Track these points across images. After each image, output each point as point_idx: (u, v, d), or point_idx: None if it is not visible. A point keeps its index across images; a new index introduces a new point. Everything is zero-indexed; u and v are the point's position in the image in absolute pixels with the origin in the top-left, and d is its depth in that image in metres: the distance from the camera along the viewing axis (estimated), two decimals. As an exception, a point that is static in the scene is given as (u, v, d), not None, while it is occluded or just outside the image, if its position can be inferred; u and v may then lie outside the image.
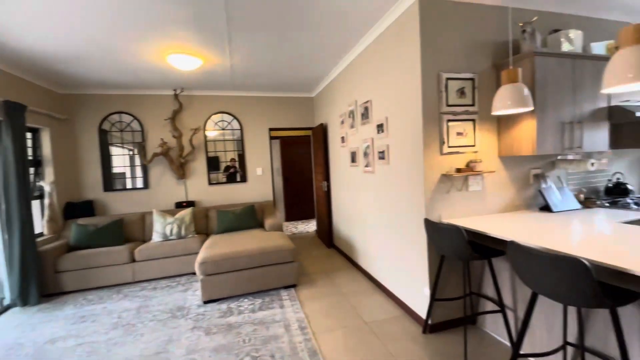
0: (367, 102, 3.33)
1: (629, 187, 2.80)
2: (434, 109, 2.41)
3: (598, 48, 2.60)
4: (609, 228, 1.93)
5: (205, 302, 3.32)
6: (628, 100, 2.57)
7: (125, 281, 3.94)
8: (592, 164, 2.55)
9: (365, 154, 3.45)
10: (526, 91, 2.08)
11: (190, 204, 4.97)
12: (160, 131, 4.90)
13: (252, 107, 5.30)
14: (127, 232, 4.40)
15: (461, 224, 2.26)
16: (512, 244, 1.58)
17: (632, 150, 3.10)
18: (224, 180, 5.19)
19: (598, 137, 2.49)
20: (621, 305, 1.36)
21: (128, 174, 4.87)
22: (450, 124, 2.45)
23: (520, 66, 2.35)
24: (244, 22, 2.75)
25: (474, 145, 2.52)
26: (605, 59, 2.45)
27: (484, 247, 2.18)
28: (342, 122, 4.14)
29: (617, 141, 2.96)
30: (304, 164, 7.35)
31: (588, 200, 2.67)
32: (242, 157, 5.26)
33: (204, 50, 3.34)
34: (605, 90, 1.54)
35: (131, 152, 4.88)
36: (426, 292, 2.50)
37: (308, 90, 5.36)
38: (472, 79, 2.47)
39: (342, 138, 4.19)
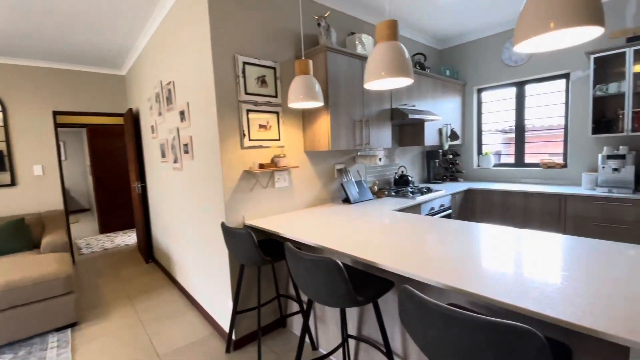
0: (169, 83, 2.76)
1: (410, 178, 3.32)
2: (231, 96, 2.11)
3: (385, 55, 2.91)
4: (383, 216, 2.09)
5: None
6: (405, 104, 3.00)
7: None
8: (380, 159, 2.85)
9: (173, 147, 2.88)
10: (317, 86, 2.03)
11: None
12: None
13: (24, 81, 3.79)
14: None
15: (262, 224, 2.06)
16: (286, 246, 1.42)
17: (414, 147, 3.74)
18: (-31, 184, 3.52)
19: (383, 135, 2.78)
20: (379, 297, 1.38)
21: None
22: (251, 115, 2.21)
23: (315, 60, 2.33)
24: None
25: (279, 139, 2.37)
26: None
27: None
28: (151, 108, 3.41)
29: (402, 139, 3.47)
30: (123, 160, 6.00)
31: (380, 191, 2.99)
32: (8, 151, 3.69)
33: None
34: (366, 85, 1.56)
35: None
36: (230, 305, 2.21)
37: (116, 65, 4.26)
38: (273, 68, 2.31)
39: (152, 127, 3.46)
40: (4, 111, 3.68)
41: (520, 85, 3.54)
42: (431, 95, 3.34)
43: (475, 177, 3.92)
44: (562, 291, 0.96)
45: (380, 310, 1.50)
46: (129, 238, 5.49)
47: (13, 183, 3.76)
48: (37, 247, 3.46)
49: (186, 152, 2.58)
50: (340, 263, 1.21)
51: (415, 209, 2.67)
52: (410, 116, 2.74)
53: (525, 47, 1.07)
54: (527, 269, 1.13)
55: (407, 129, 3.40)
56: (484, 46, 3.71)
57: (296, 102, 2.01)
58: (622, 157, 2.59)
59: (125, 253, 4.69)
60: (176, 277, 3.33)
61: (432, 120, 3.12)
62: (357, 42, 2.71)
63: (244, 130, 2.17)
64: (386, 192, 3.00)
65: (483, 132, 3.93)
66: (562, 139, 3.29)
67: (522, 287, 1.00)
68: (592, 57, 2.72)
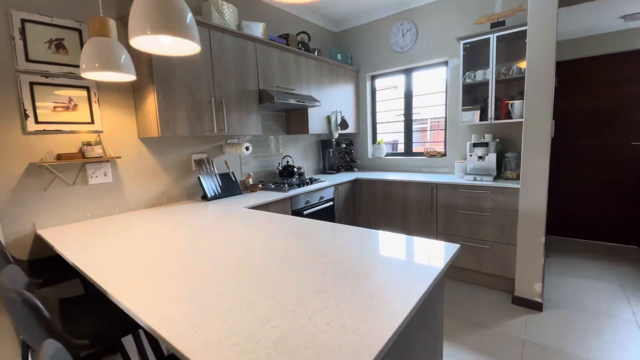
0: (-47, 49, 2.06)
1: (296, 169, 3.05)
2: (2, 65, 1.56)
3: (254, 28, 2.55)
4: (219, 217, 1.76)
5: None
6: (278, 87, 2.68)
7: None
8: (247, 148, 2.51)
9: (-30, 134, 2.19)
10: (124, 55, 1.58)
11: None
12: None
13: None
14: None
15: (56, 234, 1.58)
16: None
17: (307, 135, 3.48)
18: None
19: (249, 120, 2.43)
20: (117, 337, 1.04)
21: None
22: (39, 89, 1.68)
23: (138, 23, 1.86)
24: None
25: (92, 123, 1.87)
26: (244, 37, 2.37)
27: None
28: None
29: (289, 127, 3.17)
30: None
31: (254, 185, 2.65)
32: None
33: None
34: (131, 43, 1.16)
35: None
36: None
37: None
38: (77, 30, 1.79)
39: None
40: None
41: (408, 73, 3.47)
42: (316, 80, 3.08)
43: (369, 166, 3.82)
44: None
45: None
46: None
47: None
48: None
49: (-29, 139, 1.94)
50: (32, 299, 0.83)
51: (285, 203, 2.39)
52: (279, 100, 2.43)
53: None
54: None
55: (293, 116, 3.11)
56: (374, 30, 3.56)
57: (89, 72, 1.53)
58: (486, 145, 2.61)
59: None
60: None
61: (312, 107, 2.86)
62: (213, 10, 2.30)
63: (26, 110, 1.64)
64: (261, 185, 2.68)
65: (378, 121, 3.83)
66: (444, 127, 3.29)
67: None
68: (461, 43, 2.68)
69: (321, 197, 2.76)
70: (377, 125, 3.84)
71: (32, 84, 1.65)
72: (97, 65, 1.53)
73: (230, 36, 2.26)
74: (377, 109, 3.81)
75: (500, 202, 2.41)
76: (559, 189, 3.65)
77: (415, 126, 3.55)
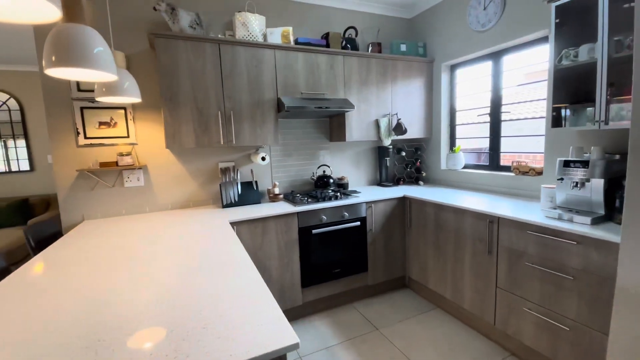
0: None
1: (332, 180, 2.78)
2: (61, 94, 2.08)
3: (278, 34, 2.45)
4: (189, 231, 1.79)
5: None
6: (302, 93, 2.48)
7: None
8: (264, 158, 2.44)
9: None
10: (128, 80, 1.82)
11: (-48, 198, 4.17)
12: None
13: (36, 84, 4.54)
14: None
15: (94, 226, 2.00)
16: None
17: (361, 142, 3.12)
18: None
19: (265, 130, 2.36)
20: None
21: None
22: (87, 112, 2.14)
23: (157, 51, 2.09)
24: None
25: (127, 137, 2.25)
26: (260, 46, 2.29)
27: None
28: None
29: (332, 135, 2.95)
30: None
31: (276, 195, 2.57)
32: (27, 143, 4.55)
33: None
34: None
35: None
36: None
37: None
38: (117, 61, 2.17)
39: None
40: (22, 110, 4.50)
41: (496, 58, 2.56)
42: (358, 80, 2.69)
43: (440, 180, 3.06)
44: None
45: None
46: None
47: (32, 169, 4.60)
48: (38, 224, 4.17)
49: (78, 148, 2.69)
50: None
51: (290, 218, 2.22)
52: (291, 106, 2.26)
53: None
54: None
55: (335, 122, 2.84)
56: (448, 8, 2.79)
57: (100, 96, 1.84)
58: (586, 164, 1.61)
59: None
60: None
61: (346, 111, 2.51)
62: (238, 24, 2.35)
63: (77, 128, 2.12)
64: (282, 196, 2.59)
65: (457, 123, 3.01)
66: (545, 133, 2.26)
67: None
68: (552, 5, 1.74)
69: (343, 216, 2.41)
70: (456, 128, 3.03)
71: (82, 108, 2.12)
72: (104, 90, 1.81)
73: (244, 48, 2.25)
74: (457, 107, 3.01)
75: (593, 261, 1.45)
76: None
77: (508, 128, 2.58)
